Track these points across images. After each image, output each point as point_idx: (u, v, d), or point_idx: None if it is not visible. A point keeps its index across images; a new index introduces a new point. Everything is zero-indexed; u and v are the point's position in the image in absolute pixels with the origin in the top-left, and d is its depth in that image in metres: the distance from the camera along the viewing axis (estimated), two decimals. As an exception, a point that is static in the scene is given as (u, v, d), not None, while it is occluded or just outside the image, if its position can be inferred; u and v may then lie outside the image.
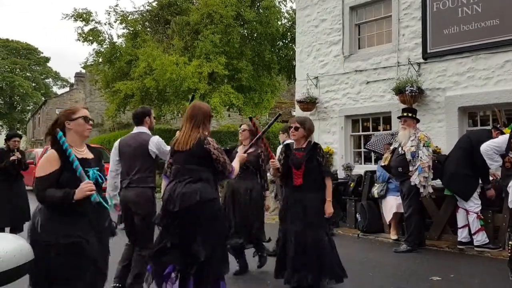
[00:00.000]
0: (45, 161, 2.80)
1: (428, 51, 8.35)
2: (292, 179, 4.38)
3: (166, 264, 3.43)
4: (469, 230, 6.26)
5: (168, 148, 4.00)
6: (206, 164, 3.48)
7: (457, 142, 6.65)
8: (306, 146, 4.45)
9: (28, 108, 53.37)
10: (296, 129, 4.43)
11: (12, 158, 6.98)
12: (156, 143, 4.36)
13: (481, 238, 6.13)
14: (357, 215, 7.86)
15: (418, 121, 6.68)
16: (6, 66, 49.00)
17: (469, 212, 6.19)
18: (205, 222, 3.40)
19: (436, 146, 7.82)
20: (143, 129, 4.50)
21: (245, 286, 4.82)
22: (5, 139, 7.29)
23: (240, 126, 5.41)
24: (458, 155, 6.28)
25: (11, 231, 6.99)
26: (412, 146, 6.35)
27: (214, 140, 3.55)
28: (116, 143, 4.61)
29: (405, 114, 6.64)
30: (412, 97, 8.06)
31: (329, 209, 4.33)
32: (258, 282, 4.96)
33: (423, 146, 6.30)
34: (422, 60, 8.45)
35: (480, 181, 6.24)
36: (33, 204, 7.31)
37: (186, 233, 3.40)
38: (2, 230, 7.04)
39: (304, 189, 4.34)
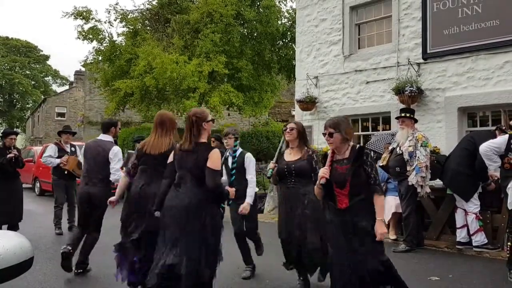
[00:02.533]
0: (218, 158, 3.51)
1: (428, 51, 8.36)
2: (335, 201, 3.42)
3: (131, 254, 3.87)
4: (468, 230, 6.27)
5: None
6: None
7: (460, 142, 6.65)
8: (350, 155, 3.44)
9: (27, 106, 53.33)
10: (331, 135, 3.42)
11: (9, 155, 6.98)
12: (115, 153, 5.14)
13: (479, 238, 6.14)
14: (356, 215, 7.87)
15: (416, 121, 6.69)
16: (6, 64, 48.96)
17: (468, 213, 6.20)
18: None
19: (435, 146, 7.83)
20: (108, 137, 5.26)
21: (246, 283, 4.83)
22: (1, 137, 7.30)
23: (286, 125, 4.74)
24: (461, 155, 6.28)
25: (9, 229, 7.00)
26: (410, 146, 6.36)
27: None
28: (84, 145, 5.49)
29: (403, 114, 6.65)
30: (411, 97, 8.07)
31: (380, 228, 3.27)
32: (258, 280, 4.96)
33: (421, 146, 6.32)
34: (422, 60, 8.46)
35: (480, 182, 6.26)
36: (28, 203, 7.39)
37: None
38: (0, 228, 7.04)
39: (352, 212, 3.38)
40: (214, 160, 3.47)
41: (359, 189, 3.33)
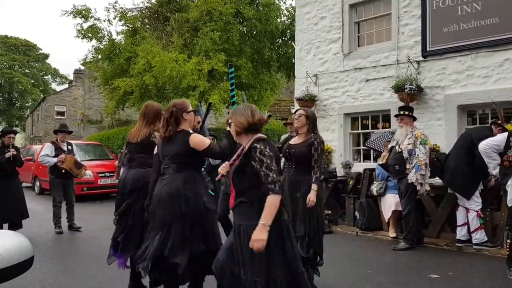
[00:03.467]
0: (200, 137, 3.58)
1: (428, 49, 8.35)
2: None
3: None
4: (468, 228, 6.27)
5: None
6: (150, 152, 3.90)
7: (458, 139, 6.64)
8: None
9: (27, 104, 53.33)
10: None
11: (7, 154, 6.98)
12: None
13: (479, 236, 6.15)
14: (355, 213, 7.88)
15: (415, 119, 6.69)
16: (5, 63, 48.94)
17: (469, 211, 6.21)
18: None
19: (435, 144, 7.84)
20: None
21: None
22: (0, 135, 7.30)
23: (295, 112, 4.68)
24: (459, 153, 6.28)
25: (10, 228, 7.00)
26: (409, 144, 6.36)
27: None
28: None
29: (401, 112, 6.65)
30: (410, 95, 8.06)
31: (257, 235, 2.67)
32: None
33: (420, 143, 6.32)
34: (421, 58, 8.45)
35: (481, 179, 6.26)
36: (28, 201, 7.41)
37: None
38: (0, 227, 7.05)
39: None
40: (197, 141, 3.53)
41: (244, 188, 2.88)
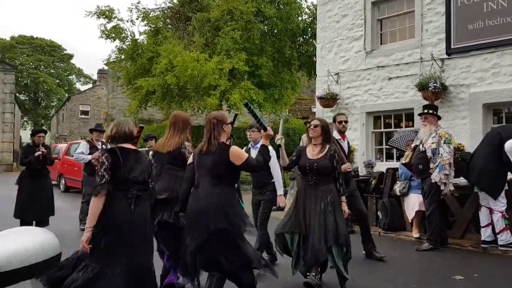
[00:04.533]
0: (239, 150, 3.63)
1: (452, 46, 8.20)
2: None
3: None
4: (493, 229, 6.14)
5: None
6: (181, 165, 3.91)
7: (485, 137, 6.49)
8: None
9: (52, 104, 54.40)
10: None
11: (36, 153, 7.16)
12: None
13: (505, 237, 6.01)
14: (378, 213, 7.80)
15: (439, 118, 6.57)
16: (31, 63, 50.00)
17: (494, 211, 6.08)
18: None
19: (460, 143, 7.69)
20: None
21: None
22: (30, 135, 7.51)
23: (310, 121, 4.78)
24: (487, 151, 6.12)
25: (37, 225, 7.17)
26: (433, 143, 6.25)
27: (190, 145, 4.02)
28: None
29: (425, 111, 6.55)
30: (434, 94, 7.93)
31: None
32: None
33: (444, 143, 6.20)
34: (445, 56, 8.31)
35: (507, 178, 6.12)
36: (55, 199, 7.57)
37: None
38: (30, 224, 7.23)
39: None
40: (238, 154, 3.55)
41: None
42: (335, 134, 5.76)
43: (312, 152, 4.52)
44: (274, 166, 5.11)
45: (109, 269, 3.13)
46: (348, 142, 6.08)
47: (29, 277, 1.26)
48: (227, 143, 3.71)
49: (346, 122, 6.00)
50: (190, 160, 3.78)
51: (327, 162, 4.39)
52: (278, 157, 4.76)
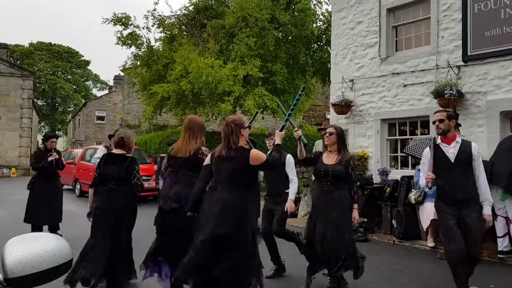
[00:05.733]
0: (258, 153, 3.67)
1: (469, 53, 8.11)
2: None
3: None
4: (510, 239, 6.02)
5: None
6: (198, 170, 3.84)
7: (502, 146, 6.37)
8: None
9: (69, 109, 55.20)
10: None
11: (50, 158, 7.25)
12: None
13: (523, 248, 5.89)
14: (393, 221, 7.72)
15: (459, 125, 6.47)
16: (49, 69, 50.89)
17: (511, 221, 5.96)
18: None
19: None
20: None
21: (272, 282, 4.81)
22: (42, 139, 7.59)
23: (326, 129, 4.89)
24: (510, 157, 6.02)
25: (50, 230, 7.25)
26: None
27: (207, 150, 4.00)
28: None
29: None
30: (450, 101, 7.84)
31: None
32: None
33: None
34: (462, 63, 8.22)
35: None
36: (68, 203, 7.63)
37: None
38: (41, 228, 7.31)
39: None
40: (258, 157, 3.60)
41: None
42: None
43: (328, 159, 4.60)
44: (292, 172, 5.20)
45: (92, 240, 4.55)
46: None
47: (41, 283, 1.27)
48: (246, 147, 3.73)
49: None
50: (207, 161, 3.78)
51: (342, 168, 4.46)
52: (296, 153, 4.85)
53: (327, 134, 4.67)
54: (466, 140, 4.46)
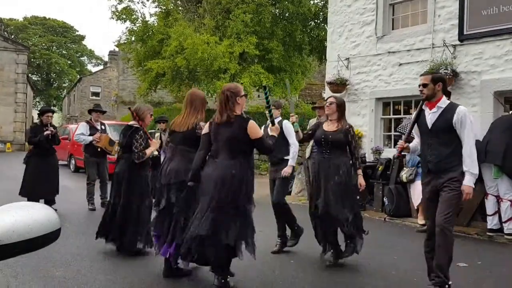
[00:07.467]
0: (257, 127, 3.76)
1: (465, 32, 8.06)
2: None
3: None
4: (499, 217, 6.11)
5: None
6: (194, 146, 3.90)
7: (495, 125, 6.41)
8: None
9: (64, 85, 54.73)
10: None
11: (46, 133, 7.22)
12: None
13: (512, 226, 5.98)
14: (384, 199, 7.80)
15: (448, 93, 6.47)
16: (43, 44, 50.24)
17: (503, 200, 6.04)
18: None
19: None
20: None
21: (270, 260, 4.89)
22: (38, 114, 7.55)
23: (326, 99, 5.03)
24: (507, 136, 6.06)
25: (45, 204, 7.28)
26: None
27: (205, 125, 3.94)
28: None
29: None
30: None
31: None
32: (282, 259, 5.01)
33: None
34: (458, 42, 8.18)
35: None
36: (63, 179, 7.65)
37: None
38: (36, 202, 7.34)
39: None
40: (255, 130, 3.67)
41: None
42: None
43: (328, 127, 4.80)
44: (291, 136, 5.24)
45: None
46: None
47: (28, 251, 1.30)
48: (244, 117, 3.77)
49: None
50: (205, 130, 3.81)
51: (341, 136, 4.65)
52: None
53: (327, 104, 4.84)
54: (455, 104, 4.00)
